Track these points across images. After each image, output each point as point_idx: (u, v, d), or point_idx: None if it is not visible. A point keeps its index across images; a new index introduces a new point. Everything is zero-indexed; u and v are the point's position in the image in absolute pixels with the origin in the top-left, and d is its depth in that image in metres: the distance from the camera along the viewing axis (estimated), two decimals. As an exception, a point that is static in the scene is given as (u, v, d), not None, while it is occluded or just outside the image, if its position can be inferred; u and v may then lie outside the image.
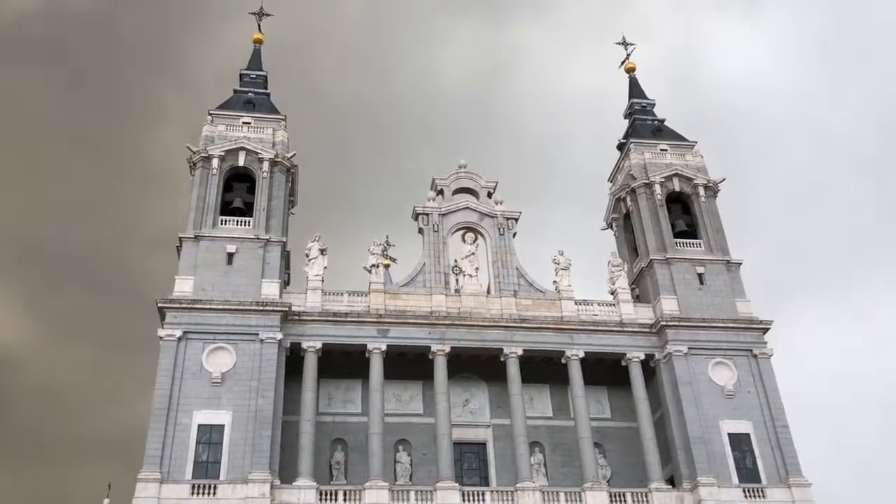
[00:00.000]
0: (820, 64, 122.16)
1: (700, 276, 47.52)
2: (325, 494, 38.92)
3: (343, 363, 44.14)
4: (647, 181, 50.97)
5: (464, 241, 48.36)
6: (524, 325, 44.83)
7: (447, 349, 43.61)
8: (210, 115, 49.95)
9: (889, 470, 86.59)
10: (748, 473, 41.42)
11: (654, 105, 57.52)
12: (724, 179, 52.11)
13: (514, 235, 48.77)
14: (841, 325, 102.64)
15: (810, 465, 42.35)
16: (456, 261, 47.53)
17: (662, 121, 56.29)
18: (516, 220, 49.06)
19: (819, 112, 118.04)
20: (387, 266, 48.33)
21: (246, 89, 53.25)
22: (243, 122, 49.67)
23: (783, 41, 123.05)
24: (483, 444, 44.84)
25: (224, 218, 45.85)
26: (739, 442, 42.30)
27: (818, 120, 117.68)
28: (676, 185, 51.31)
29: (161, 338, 40.90)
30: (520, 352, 44.09)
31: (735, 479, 41.10)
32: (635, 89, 58.50)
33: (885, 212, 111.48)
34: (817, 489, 41.25)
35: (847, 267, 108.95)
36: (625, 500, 40.66)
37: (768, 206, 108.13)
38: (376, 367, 42.63)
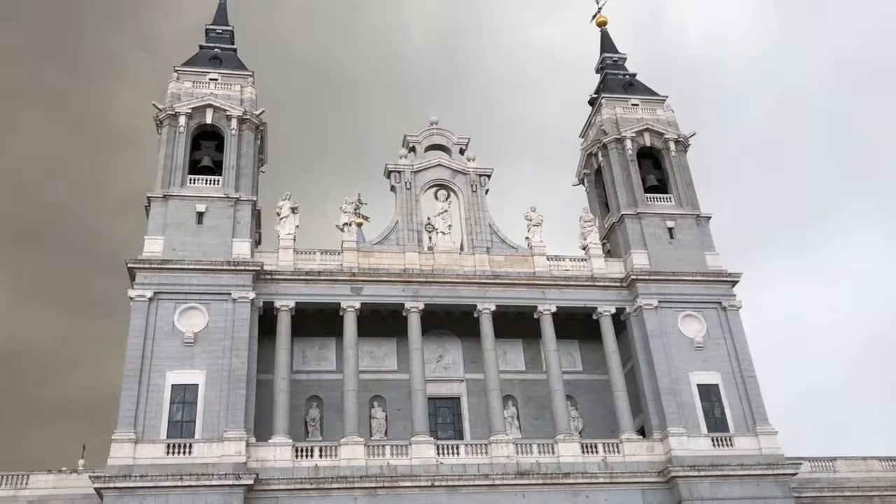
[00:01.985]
0: (783, 19, 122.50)
1: (670, 230, 47.84)
2: (301, 451, 39.05)
3: (317, 321, 44.01)
4: (618, 136, 50.90)
5: (436, 198, 48.12)
6: (497, 281, 44.94)
7: (421, 306, 43.61)
8: (176, 71, 48.73)
9: (849, 415, 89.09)
10: (717, 423, 42.21)
11: (625, 59, 57.20)
12: (694, 134, 52.21)
13: (487, 192, 48.61)
14: (805, 276, 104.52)
15: (776, 413, 43.33)
16: (429, 218, 47.33)
17: (634, 75, 56.03)
18: (489, 176, 48.85)
19: (782, 67, 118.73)
20: (359, 224, 47.98)
21: (212, 45, 51.95)
22: (210, 79, 48.56)
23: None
24: (457, 399, 45.20)
25: (193, 177, 45.05)
26: (708, 393, 42.98)
27: (781, 74, 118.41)
28: (647, 140, 51.29)
29: (132, 298, 40.38)
30: (493, 308, 44.25)
31: (704, 429, 41.88)
32: (607, 43, 58.07)
33: (846, 165, 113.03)
34: (783, 437, 42.26)
35: (810, 219, 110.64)
36: (596, 451, 41.27)
37: (734, 160, 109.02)
38: (350, 325, 42.55)
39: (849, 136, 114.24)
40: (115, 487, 35.58)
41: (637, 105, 52.99)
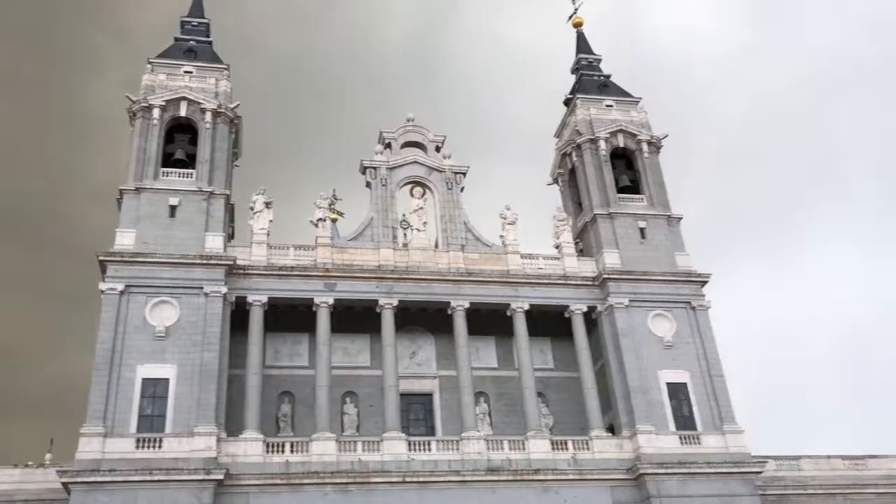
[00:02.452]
0: (756, 22, 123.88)
1: (642, 230, 48.25)
2: (272, 446, 38.92)
3: (290, 317, 43.89)
4: (592, 137, 51.25)
5: (412, 195, 48.13)
6: (471, 278, 45.07)
7: (395, 303, 43.63)
8: (150, 63, 48.25)
9: (815, 415, 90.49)
10: (685, 421, 42.68)
11: (600, 61, 57.55)
12: (666, 136, 52.67)
13: (462, 190, 48.71)
14: (774, 277, 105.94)
15: (743, 412, 43.96)
16: (404, 215, 47.31)
17: (608, 76, 56.40)
18: (464, 174, 48.96)
19: (754, 69, 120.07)
20: (334, 220, 47.86)
21: (187, 37, 51.45)
22: (185, 71, 48.12)
23: (716, 2, 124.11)
24: (429, 395, 45.29)
25: (166, 170, 44.65)
26: (677, 391, 43.45)
27: (753, 77, 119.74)
28: (621, 141, 51.71)
29: (102, 291, 39.95)
30: (467, 305, 44.39)
31: (672, 427, 42.32)
32: (582, 44, 58.38)
33: (818, 167, 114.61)
34: (749, 435, 42.86)
35: (781, 221, 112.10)
36: (566, 448, 41.56)
37: (706, 162, 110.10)
38: (323, 321, 42.46)
39: (822, 138, 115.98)
40: (82, 482, 35.21)
41: (611, 106, 53.36)
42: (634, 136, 51.83)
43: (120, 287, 39.89)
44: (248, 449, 38.32)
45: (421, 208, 47.59)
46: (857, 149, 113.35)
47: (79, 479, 35.22)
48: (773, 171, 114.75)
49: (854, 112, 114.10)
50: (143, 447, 36.63)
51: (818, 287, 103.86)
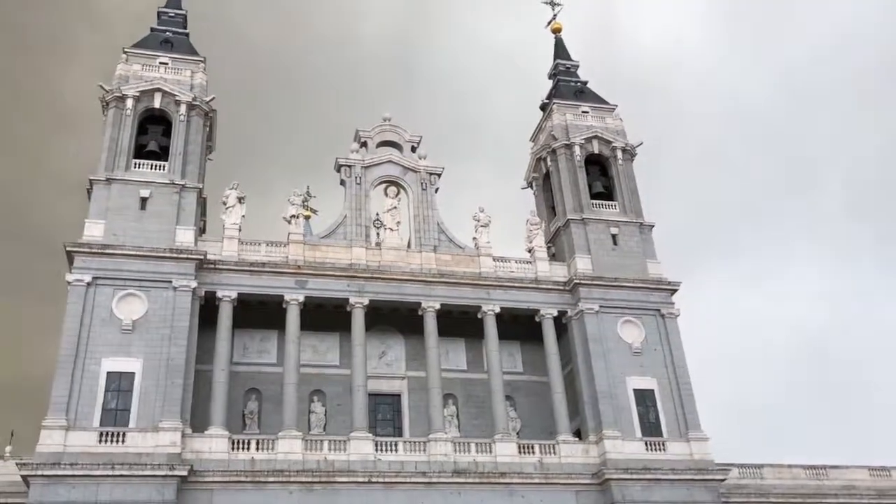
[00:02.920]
0: (731, 33, 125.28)
1: (614, 236, 48.56)
2: (238, 443, 38.60)
3: (259, 313, 43.59)
4: (567, 142, 51.47)
5: (386, 194, 48.02)
6: (443, 279, 45.06)
7: (366, 302, 43.50)
8: (125, 53, 47.67)
9: (779, 423, 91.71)
10: (651, 427, 43.00)
11: (577, 67, 57.85)
12: (641, 143, 53.06)
13: (437, 191, 48.70)
14: (742, 286, 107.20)
15: (709, 419, 44.38)
16: (378, 214, 47.22)
17: (585, 83, 56.71)
18: (439, 175, 48.98)
19: (728, 79, 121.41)
20: (307, 217, 47.76)
21: (164, 28, 50.87)
22: (160, 63, 47.60)
23: (700, 10, 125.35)
24: (398, 396, 45.18)
25: (138, 161, 44.14)
26: (644, 397, 43.73)
27: (727, 88, 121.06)
28: (596, 148, 51.99)
29: (69, 283, 39.37)
30: (438, 306, 44.36)
31: (638, 433, 42.61)
32: (560, 50, 58.66)
33: (788, 179, 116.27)
34: (714, 443, 43.28)
35: (751, 231, 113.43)
36: (533, 452, 41.68)
37: (679, 171, 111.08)
38: (293, 319, 42.22)
39: (792, 149, 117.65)
40: (42, 475, 34.63)
41: (587, 112, 53.65)
42: (609, 142, 52.14)
43: (87, 279, 39.35)
44: (213, 445, 37.96)
45: (395, 208, 47.49)
46: (825, 162, 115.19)
47: (39, 473, 34.65)
48: (743, 182, 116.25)
49: (824, 124, 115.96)
50: (106, 441, 36.12)
51: (785, 297, 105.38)
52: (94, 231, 40.98)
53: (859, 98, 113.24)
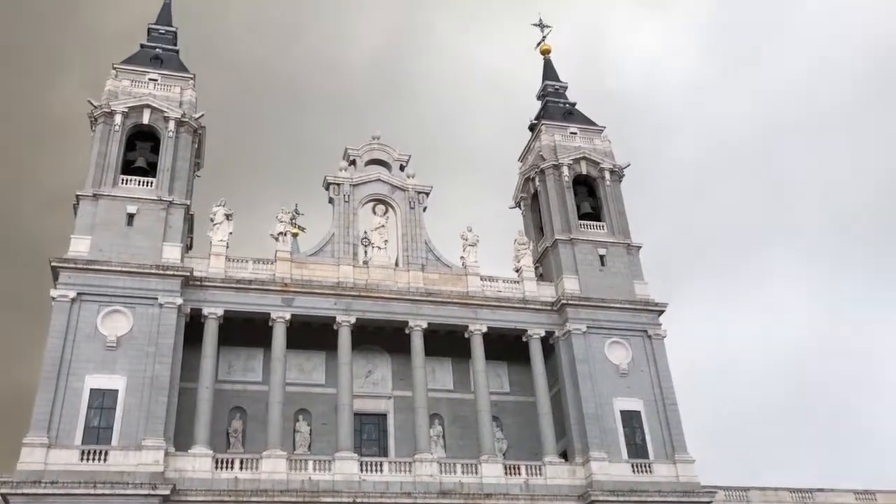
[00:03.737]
0: (715, 59, 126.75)
1: (601, 257, 48.73)
2: (222, 462, 38.23)
3: (245, 331, 43.34)
4: (555, 163, 51.73)
5: (374, 212, 48.03)
6: (430, 298, 45.01)
7: (352, 320, 43.36)
8: (114, 68, 47.63)
9: (765, 446, 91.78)
10: (637, 449, 42.94)
11: (566, 88, 58.28)
12: (628, 165, 53.40)
13: (425, 209, 48.76)
14: (727, 308, 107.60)
15: (694, 441, 44.35)
16: (365, 232, 47.23)
17: (574, 104, 57.13)
18: (427, 194, 49.08)
19: (711, 105, 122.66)
20: (295, 235, 47.65)
21: (154, 45, 50.97)
22: (150, 79, 47.60)
23: (684, 35, 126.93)
24: (384, 416, 44.96)
25: (125, 177, 44.00)
26: (631, 419, 43.71)
27: (711, 113, 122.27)
28: (584, 169, 52.28)
29: (53, 298, 39.09)
30: (425, 325, 44.28)
31: (625, 455, 42.53)
32: (549, 71, 59.09)
33: (770, 203, 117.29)
34: (700, 465, 43.28)
35: (735, 254, 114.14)
36: (519, 473, 41.51)
37: (666, 193, 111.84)
38: (279, 337, 42.01)
39: (774, 174, 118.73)
40: (22, 493, 34.17)
41: (575, 133, 53.99)
42: (597, 164, 52.44)
43: (72, 294, 39.05)
44: (197, 464, 37.57)
45: (383, 226, 47.48)
46: (806, 186, 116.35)
47: (19, 491, 34.18)
48: (727, 204, 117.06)
49: (802, 148, 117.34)
50: (87, 459, 35.70)
51: (768, 320, 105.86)
52: (79, 246, 40.71)
53: (837, 123, 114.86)
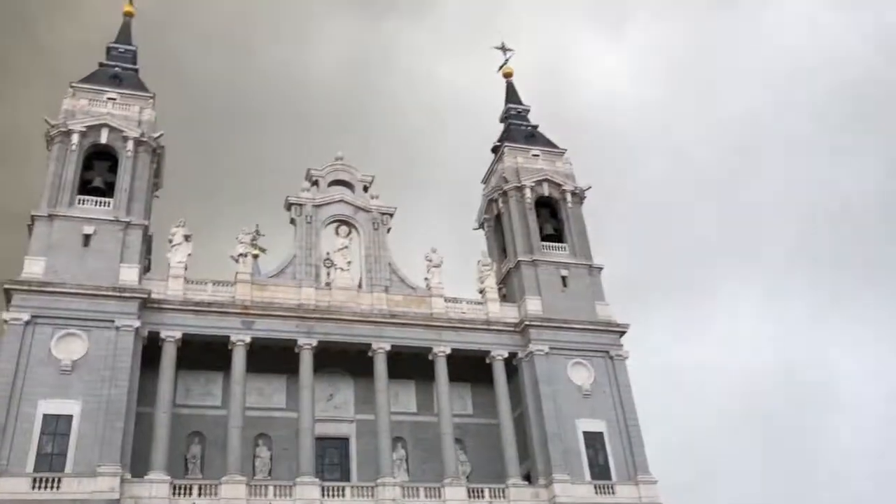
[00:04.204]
0: (672, 83, 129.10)
1: (564, 278, 49.09)
2: (179, 489, 37.57)
3: (204, 354, 42.77)
4: (518, 185, 52.19)
5: (337, 233, 47.94)
6: (394, 320, 44.92)
7: (314, 343, 43.08)
8: (72, 87, 47.05)
9: (724, 466, 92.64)
10: (600, 470, 43.12)
11: (528, 111, 58.92)
12: (590, 187, 54.01)
13: (389, 231, 48.78)
14: (686, 330, 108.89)
15: (658, 462, 44.59)
16: (328, 253, 47.00)
17: (536, 127, 57.78)
18: (391, 215, 49.14)
19: (670, 129, 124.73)
20: (255, 256, 47.01)
21: (113, 63, 50.51)
22: (108, 98, 47.10)
23: (645, 60, 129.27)
24: (346, 440, 44.59)
25: (82, 197, 43.43)
26: (593, 440, 43.92)
27: (670, 137, 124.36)
28: (546, 190, 52.79)
29: (5, 321, 38.24)
30: (388, 347, 44.14)
31: (588, 476, 42.69)
32: (512, 94, 59.73)
33: (730, 226, 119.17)
34: (663, 486, 43.51)
35: (695, 276, 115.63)
36: (483, 496, 41.40)
37: (628, 215, 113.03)
38: (239, 360, 41.54)
39: (732, 198, 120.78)
40: (-31, 524, 33.20)
41: (538, 156, 54.54)
42: (559, 185, 53.00)
43: (25, 317, 38.29)
44: (154, 491, 36.88)
45: (346, 247, 47.37)
46: (766, 209, 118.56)
47: (-34, 522, 33.17)
48: (691, 227, 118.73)
49: (767, 172, 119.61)
50: (40, 487, 34.83)
51: (730, 341, 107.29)
52: (34, 268, 39.97)
53: (799, 146, 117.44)
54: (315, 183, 49.09)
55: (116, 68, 49.98)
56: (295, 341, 42.99)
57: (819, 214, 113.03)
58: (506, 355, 46.03)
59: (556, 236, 51.71)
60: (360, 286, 46.64)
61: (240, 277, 43.84)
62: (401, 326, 44.97)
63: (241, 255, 44.60)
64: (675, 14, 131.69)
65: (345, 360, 45.36)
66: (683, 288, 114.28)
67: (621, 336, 47.73)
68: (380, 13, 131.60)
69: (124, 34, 52.98)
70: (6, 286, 38.93)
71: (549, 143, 56.22)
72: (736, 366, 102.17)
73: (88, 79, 48.31)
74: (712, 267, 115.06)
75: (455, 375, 45.22)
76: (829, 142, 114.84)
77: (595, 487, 42.33)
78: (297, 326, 43.28)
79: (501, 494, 41.67)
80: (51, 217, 41.61)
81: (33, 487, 34.76)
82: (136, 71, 50.83)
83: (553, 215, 52.82)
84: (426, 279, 47.56)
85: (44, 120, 45.34)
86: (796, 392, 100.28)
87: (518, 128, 57.15)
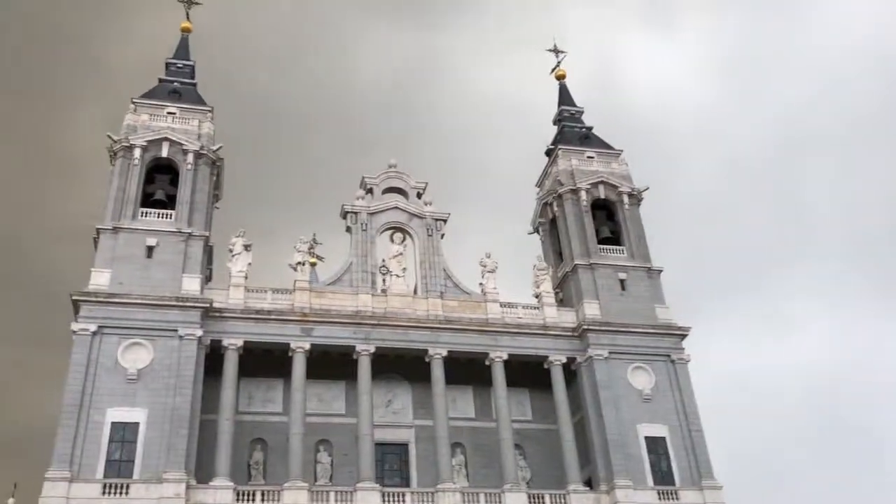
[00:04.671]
0: (728, 78, 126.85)
1: (622, 281, 48.59)
2: (243, 495, 38.21)
3: (265, 362, 43.44)
4: (573, 187, 51.84)
5: (392, 240, 48.26)
6: (449, 326, 44.99)
7: (372, 349, 43.38)
8: (133, 103, 48.39)
9: (790, 470, 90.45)
10: (663, 476, 42.51)
11: (582, 112, 58.57)
12: (647, 188, 53.43)
13: (443, 236, 48.94)
14: (748, 331, 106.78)
15: (722, 467, 43.80)
16: (383, 260, 47.34)
17: (590, 128, 57.38)
18: (445, 221, 49.28)
19: (726, 126, 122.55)
20: (313, 264, 47.86)
21: (172, 78, 51.85)
22: (168, 112, 48.32)
23: (696, 58, 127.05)
24: (405, 445, 44.77)
25: (145, 210, 44.57)
26: (655, 445, 43.38)
27: (725, 133, 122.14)
28: (602, 193, 52.34)
29: (74, 332, 39.44)
30: (444, 353, 44.21)
31: (650, 482, 42.11)
32: (565, 96, 59.42)
33: (792, 224, 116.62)
34: (728, 491, 42.67)
35: (757, 276, 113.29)
36: (543, 502, 41.22)
37: (685, 215, 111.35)
38: (299, 367, 42.07)
39: (790, 193, 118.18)
40: (45, 528, 34.24)
41: (593, 158, 54.12)
42: (615, 187, 52.50)
43: (93, 328, 39.38)
44: (219, 497, 37.56)
45: (401, 254, 47.65)
46: (827, 206, 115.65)
47: (41, 526, 34.23)
48: (746, 226, 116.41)
49: (823, 167, 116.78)
50: (109, 493, 35.83)
51: (792, 341, 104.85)
52: (100, 280, 41.13)
53: (854, 140, 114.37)
54: (369, 191, 49.54)
55: (175, 83, 51.30)
56: (353, 347, 43.38)
57: (877, 209, 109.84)
58: (564, 360, 45.74)
59: (614, 239, 51.23)
60: (415, 292, 46.87)
61: (298, 285, 44.44)
62: (457, 332, 45.04)
63: (299, 263, 45.24)
64: (727, 10, 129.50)
65: (402, 366, 45.62)
66: (742, 289, 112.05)
67: (682, 339, 47.05)
68: (426, 20, 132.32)
69: (182, 50, 54.33)
70: (74, 297, 40.12)
71: (604, 145, 55.79)
72: (799, 366, 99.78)
73: (149, 94, 49.65)
74: (769, 266, 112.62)
75: (513, 380, 45.09)
76: (885, 135, 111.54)
77: (658, 493, 41.73)
78: (354, 333, 43.68)
79: (562, 501, 41.41)
80: (115, 230, 42.80)
81: (103, 493, 35.78)
82: (195, 85, 52.06)
83: (610, 217, 52.36)
84: (481, 284, 47.56)
85: (107, 136, 46.71)
86: (862, 392, 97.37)
87: (572, 130, 56.79)
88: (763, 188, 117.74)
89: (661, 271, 49.85)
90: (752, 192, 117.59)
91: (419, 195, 50.02)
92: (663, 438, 43.61)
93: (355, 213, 48.08)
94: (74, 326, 39.61)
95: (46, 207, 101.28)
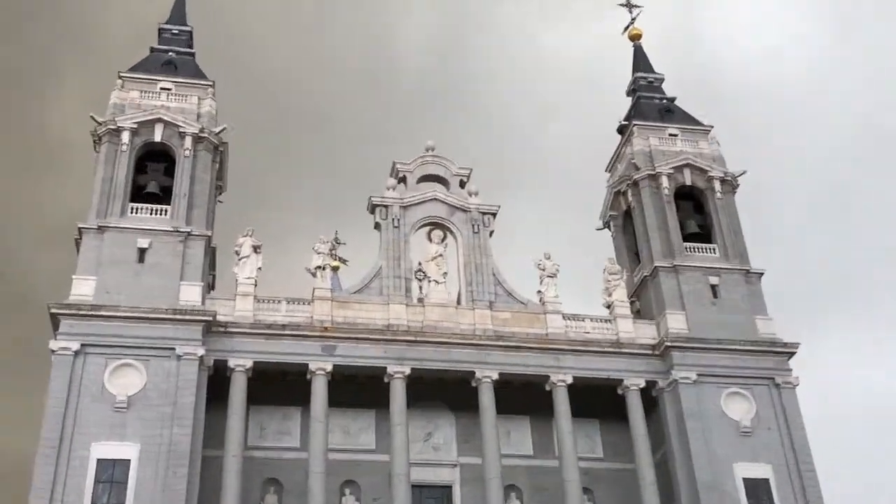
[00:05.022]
0: (848, 39, 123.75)
1: (714, 287, 48.22)
2: (254, 547, 38.51)
3: (279, 386, 43.79)
4: (652, 172, 51.52)
5: (430, 239, 48.39)
6: (501, 342, 44.95)
7: (407, 371, 43.47)
8: (121, 77, 49.08)
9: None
10: (767, 526, 42.08)
11: (662, 81, 58.33)
12: (744, 172, 52.89)
13: (492, 234, 48.89)
14: (872, 349, 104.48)
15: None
16: (420, 263, 47.53)
17: (673, 100, 57.07)
18: (494, 215, 49.26)
19: (847, 96, 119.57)
20: (335, 269, 48.13)
21: (166, 47, 52.55)
22: (162, 88, 48.93)
23: (806, 6, 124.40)
24: (448, 487, 44.83)
25: (135, 205, 45.18)
26: (756, 488, 42.95)
27: (849, 100, 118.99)
28: (688, 178, 51.99)
29: (53, 351, 40.01)
30: (495, 375, 44.14)
31: (751, 534, 41.66)
32: (641, 61, 59.16)
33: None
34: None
35: (880, 280, 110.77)
36: (618, 558, 40.89)
37: (791, 206, 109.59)
38: (319, 392, 42.28)
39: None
40: (20, 586, 34.82)
41: (676, 135, 53.76)
42: (704, 171, 52.03)
43: (75, 346, 39.93)
44: (224, 549, 37.88)
45: (440, 255, 47.77)
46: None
47: (15, 583, 34.82)
48: (872, 220, 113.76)
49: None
50: (95, 544, 36.27)
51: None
52: (83, 289, 41.72)
53: None
54: (402, 180, 49.64)
55: (170, 53, 51.98)
56: (384, 369, 43.50)
57: None
58: (642, 384, 45.45)
59: (703, 235, 50.90)
60: (458, 302, 46.93)
61: (318, 294, 44.69)
62: (510, 350, 44.99)
63: (318, 267, 45.48)
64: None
65: (444, 392, 45.63)
66: (862, 296, 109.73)
67: (789, 358, 46.48)
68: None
69: (178, 13, 55.01)
70: (53, 311, 40.74)
71: (689, 119, 55.37)
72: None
73: (139, 67, 50.40)
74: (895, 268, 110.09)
75: (580, 410, 44.87)
76: None
77: (761, 548, 41.19)
78: (385, 352, 43.81)
79: (642, 556, 40.98)
80: (101, 229, 43.42)
81: (88, 544, 36.28)
82: (193, 55, 52.72)
83: (698, 209, 52.08)
84: (539, 292, 47.47)
85: (90, 117, 47.33)
86: None
87: (650, 101, 56.51)
88: (891, 170, 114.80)
89: (761, 275, 49.30)
90: (877, 174, 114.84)
91: (462, 184, 49.99)
92: (766, 480, 43.14)
93: (385, 206, 48.20)
94: (53, 345, 40.14)
95: (20, 205, 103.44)
